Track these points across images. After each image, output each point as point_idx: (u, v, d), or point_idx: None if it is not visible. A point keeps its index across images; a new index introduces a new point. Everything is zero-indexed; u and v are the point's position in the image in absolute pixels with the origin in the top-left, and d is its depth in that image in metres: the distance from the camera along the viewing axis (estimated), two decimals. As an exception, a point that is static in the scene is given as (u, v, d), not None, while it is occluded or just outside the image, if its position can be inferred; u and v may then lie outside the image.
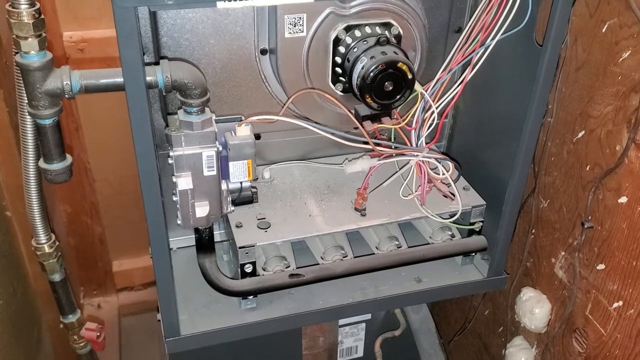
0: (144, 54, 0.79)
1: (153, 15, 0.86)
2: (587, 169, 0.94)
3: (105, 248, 1.86)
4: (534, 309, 1.08)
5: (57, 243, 1.02)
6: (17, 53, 0.73)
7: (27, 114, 0.85)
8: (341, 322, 1.24)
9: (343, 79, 0.91)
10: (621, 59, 0.85)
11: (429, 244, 1.00)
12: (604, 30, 0.87)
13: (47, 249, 1.00)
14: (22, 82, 0.79)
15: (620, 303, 0.91)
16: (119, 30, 0.66)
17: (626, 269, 0.89)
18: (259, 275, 0.91)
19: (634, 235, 0.87)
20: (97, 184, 1.74)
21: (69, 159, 0.82)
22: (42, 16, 0.72)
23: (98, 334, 1.14)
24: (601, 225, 0.93)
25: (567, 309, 1.02)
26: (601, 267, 0.94)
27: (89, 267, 1.86)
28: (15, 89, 0.85)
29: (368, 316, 1.24)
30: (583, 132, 0.94)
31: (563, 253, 1.03)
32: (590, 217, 0.95)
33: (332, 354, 1.27)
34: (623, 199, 0.87)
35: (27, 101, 0.76)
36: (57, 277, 1.04)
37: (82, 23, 1.49)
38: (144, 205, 0.77)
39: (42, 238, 0.99)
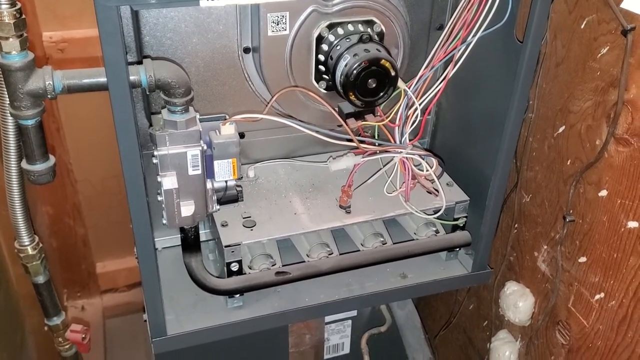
0: (126, 53, 0.79)
1: (135, 14, 0.86)
2: (568, 163, 0.96)
3: (89, 249, 1.85)
4: (518, 302, 1.10)
5: (41, 245, 1.01)
6: (-3, 53, 0.72)
7: (9, 114, 0.84)
8: (327, 319, 1.24)
9: (326, 77, 0.91)
10: (600, 54, 0.86)
11: (413, 240, 1.01)
12: (582, 27, 0.88)
13: (30, 251, 0.99)
14: (3, 82, 0.79)
15: (602, 295, 0.93)
16: (101, 30, 0.66)
17: (607, 261, 0.91)
18: (245, 273, 0.92)
19: (614, 228, 0.88)
20: (79, 184, 1.73)
21: (52, 159, 0.81)
22: (24, 16, 0.71)
23: (83, 335, 1.13)
24: (582, 218, 0.94)
25: (550, 302, 1.04)
26: (583, 259, 0.96)
27: (72, 269, 1.84)
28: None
29: (354, 313, 1.25)
30: (563, 127, 0.96)
31: (545, 247, 1.04)
32: (571, 211, 0.96)
33: (318, 351, 1.28)
34: (603, 193, 0.89)
35: (8, 102, 0.75)
36: (41, 279, 1.03)
37: (62, 23, 1.48)
38: (129, 206, 0.77)
39: (25, 240, 0.98)
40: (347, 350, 1.30)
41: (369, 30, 0.89)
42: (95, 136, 1.62)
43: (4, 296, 1.22)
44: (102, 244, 1.86)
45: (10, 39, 0.70)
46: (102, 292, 1.93)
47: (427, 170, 0.96)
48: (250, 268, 0.92)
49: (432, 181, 0.98)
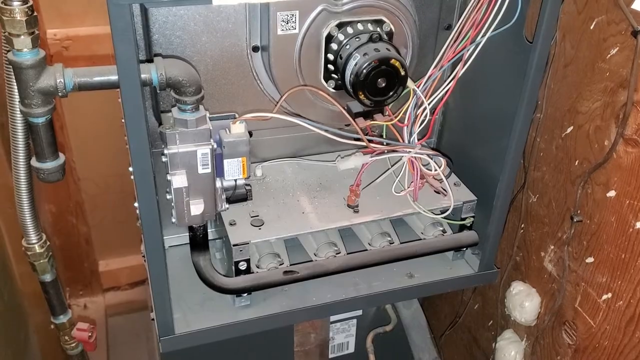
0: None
1: (144, 12, 0.86)
2: (576, 163, 0.96)
3: (91, 248, 1.85)
4: (524, 302, 1.10)
5: (48, 243, 1.00)
6: (8, 51, 0.72)
7: (18, 112, 0.84)
8: (332, 318, 1.24)
9: (335, 76, 0.91)
10: (609, 55, 0.86)
11: (420, 239, 1.01)
12: (592, 27, 0.88)
13: (37, 249, 0.99)
14: (12, 80, 0.79)
15: (609, 295, 0.93)
16: (113, 28, 0.65)
17: (615, 262, 0.91)
18: (253, 272, 0.91)
19: (622, 229, 0.88)
20: (82, 183, 1.73)
21: (62, 157, 0.81)
22: (35, 13, 0.71)
23: (90, 334, 1.13)
24: (590, 219, 0.94)
25: (556, 302, 1.04)
26: (590, 260, 0.96)
27: (75, 267, 1.84)
28: (5, 88, 0.84)
29: (359, 312, 1.25)
30: (572, 127, 0.96)
31: (552, 247, 1.04)
32: (579, 211, 0.96)
33: (323, 350, 1.28)
34: (611, 193, 0.89)
35: (18, 99, 0.75)
36: (48, 278, 1.03)
37: (66, 20, 1.48)
38: (138, 204, 0.77)
39: (33, 238, 0.98)
40: (352, 349, 1.30)
41: (378, 29, 0.88)
42: (99, 134, 1.62)
43: (8, 294, 1.21)
44: (104, 242, 1.86)
45: (22, 37, 0.70)
46: (104, 290, 1.94)
47: (436, 170, 0.96)
48: (258, 267, 0.92)
49: (441, 181, 0.98)
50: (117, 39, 0.66)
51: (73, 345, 1.14)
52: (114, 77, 0.72)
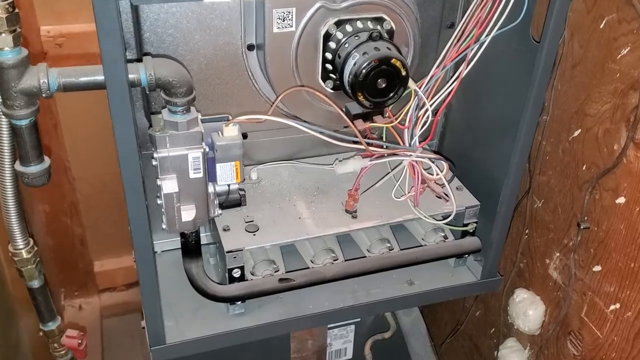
0: (125, 50, 0.75)
1: (135, 10, 0.83)
2: (584, 168, 0.92)
3: (86, 248, 1.82)
4: (528, 310, 1.07)
5: (36, 248, 0.97)
6: (-11, 50, 0.68)
7: (1, 114, 0.81)
8: (330, 324, 1.21)
9: (333, 76, 0.88)
10: (620, 55, 0.83)
11: (421, 246, 0.98)
12: (602, 26, 0.85)
13: (25, 255, 0.95)
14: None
15: (618, 305, 0.90)
16: (99, 26, 0.62)
17: (624, 271, 0.87)
18: (247, 280, 0.88)
19: (632, 237, 0.85)
20: (76, 182, 1.70)
21: (47, 161, 0.78)
22: (17, 10, 0.68)
23: (80, 341, 1.10)
24: (598, 225, 0.91)
25: (561, 311, 1.01)
26: (597, 268, 0.92)
27: (70, 268, 1.81)
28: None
29: (357, 318, 1.22)
30: (579, 130, 0.92)
31: (558, 254, 1.01)
32: (586, 218, 0.93)
33: (321, 356, 1.25)
34: (621, 200, 0.86)
35: (1, 101, 0.72)
36: (35, 284, 1.00)
37: (60, 17, 1.45)
38: (127, 209, 0.74)
39: (20, 243, 0.95)
40: (349, 355, 1.27)
41: (378, 27, 0.85)
42: (94, 133, 1.59)
43: (-2, 297, 1.19)
44: (99, 243, 1.83)
45: (3, 35, 0.67)
46: (100, 291, 1.91)
47: (437, 174, 0.92)
48: (252, 274, 0.89)
49: (442, 185, 0.95)
50: (102, 38, 0.63)
51: (62, 352, 1.11)
52: (100, 78, 0.69)
